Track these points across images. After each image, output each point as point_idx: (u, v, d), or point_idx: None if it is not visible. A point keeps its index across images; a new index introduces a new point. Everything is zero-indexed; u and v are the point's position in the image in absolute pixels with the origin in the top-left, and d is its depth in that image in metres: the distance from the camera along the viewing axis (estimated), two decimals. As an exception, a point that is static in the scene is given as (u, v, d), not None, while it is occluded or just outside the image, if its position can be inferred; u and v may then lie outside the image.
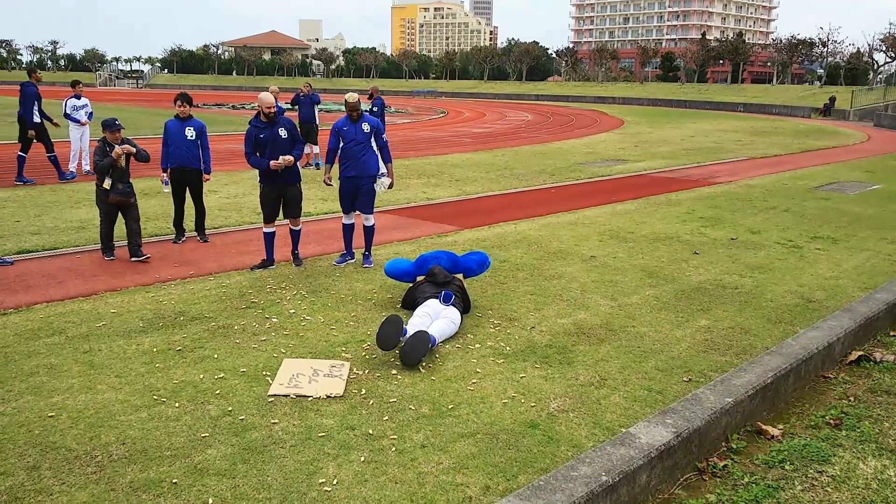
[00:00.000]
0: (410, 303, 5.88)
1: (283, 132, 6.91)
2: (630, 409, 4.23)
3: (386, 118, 16.22)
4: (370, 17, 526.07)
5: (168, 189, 8.19)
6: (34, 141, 12.29)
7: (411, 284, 6.15)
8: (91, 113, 13.46)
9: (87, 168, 13.38)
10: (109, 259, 7.39)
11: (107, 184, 7.22)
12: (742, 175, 15.58)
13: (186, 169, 8.06)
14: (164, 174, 8.04)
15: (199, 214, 8.41)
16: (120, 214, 7.48)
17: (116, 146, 7.28)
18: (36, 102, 12.21)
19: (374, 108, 14.11)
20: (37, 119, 12.20)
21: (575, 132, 28.69)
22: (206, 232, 8.56)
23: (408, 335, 4.93)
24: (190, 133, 7.98)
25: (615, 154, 19.74)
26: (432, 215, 10.34)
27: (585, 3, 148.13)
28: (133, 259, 7.35)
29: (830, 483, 3.58)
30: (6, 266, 7.09)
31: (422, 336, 4.80)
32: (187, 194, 8.26)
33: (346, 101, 7.02)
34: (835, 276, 7.35)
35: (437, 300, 5.49)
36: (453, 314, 5.38)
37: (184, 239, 8.34)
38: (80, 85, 13.39)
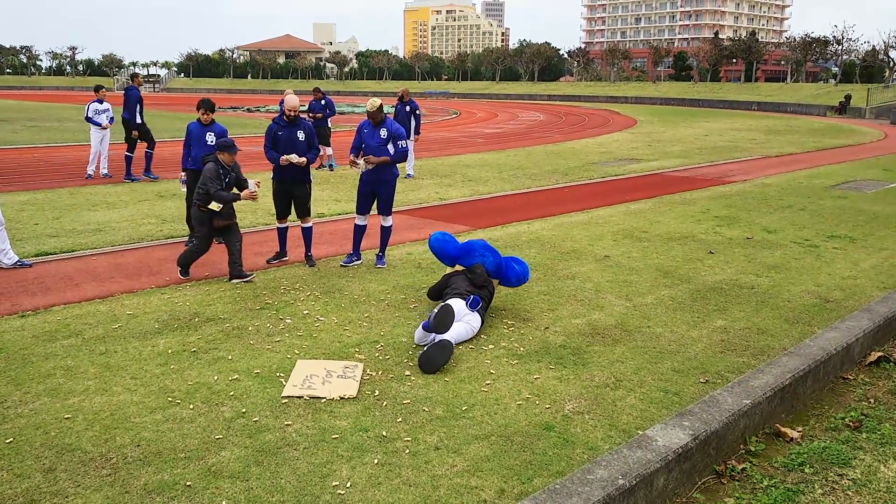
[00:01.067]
0: (438, 292, 5.81)
1: (300, 134, 7.21)
2: (646, 411, 4.19)
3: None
4: (383, 20, 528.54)
5: (185, 189, 8.27)
6: (138, 140, 13.38)
7: (446, 272, 6.00)
8: (112, 118, 13.66)
9: (105, 171, 13.59)
10: (186, 277, 6.84)
11: (215, 206, 6.60)
12: (757, 174, 15.43)
13: None
14: (183, 174, 8.13)
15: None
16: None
17: (251, 183, 6.71)
18: (139, 105, 13.23)
19: (417, 112, 14.00)
20: (139, 120, 13.20)
21: (587, 132, 28.58)
22: None
23: (433, 341, 4.91)
24: (210, 138, 8.00)
25: (628, 153, 19.63)
26: (445, 215, 10.33)
27: (597, 4, 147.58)
28: (237, 281, 6.72)
29: (851, 486, 3.52)
30: (25, 269, 7.16)
31: (445, 345, 4.76)
32: None
33: (366, 107, 7.18)
34: (853, 275, 7.26)
35: (465, 303, 5.38)
36: (475, 320, 5.34)
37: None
38: (104, 90, 13.65)
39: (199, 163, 8.07)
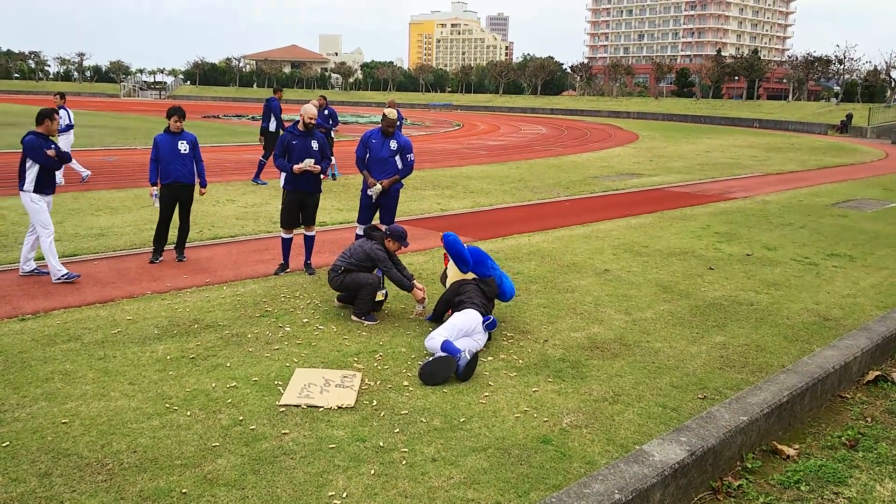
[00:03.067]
0: (447, 302, 5.74)
1: (314, 144, 7.26)
2: (644, 426, 4.19)
3: (402, 130, 16.31)
4: (388, 32, 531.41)
5: (157, 204, 7.74)
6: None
7: (457, 281, 5.91)
8: (68, 126, 13.83)
9: (84, 175, 13.50)
10: (375, 321, 5.99)
11: (380, 296, 6.10)
12: (758, 191, 15.47)
13: (181, 185, 7.67)
14: (154, 188, 7.64)
15: (183, 232, 7.94)
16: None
17: (418, 291, 5.97)
18: (274, 115, 14.36)
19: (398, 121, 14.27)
20: (272, 129, 14.29)
21: (589, 146, 28.67)
22: (213, 243, 8.53)
23: (439, 353, 4.91)
24: (183, 147, 7.65)
25: (630, 168, 19.68)
26: (446, 226, 10.34)
27: (600, 20, 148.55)
28: (363, 320, 5.99)
29: (848, 505, 3.51)
30: (72, 281, 6.87)
31: (448, 363, 4.75)
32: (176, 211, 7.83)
33: (384, 114, 7.25)
34: (852, 294, 7.26)
35: (482, 322, 5.34)
36: (483, 339, 5.34)
37: (161, 259, 7.79)
38: (58, 96, 13.99)
39: (175, 176, 7.58)
